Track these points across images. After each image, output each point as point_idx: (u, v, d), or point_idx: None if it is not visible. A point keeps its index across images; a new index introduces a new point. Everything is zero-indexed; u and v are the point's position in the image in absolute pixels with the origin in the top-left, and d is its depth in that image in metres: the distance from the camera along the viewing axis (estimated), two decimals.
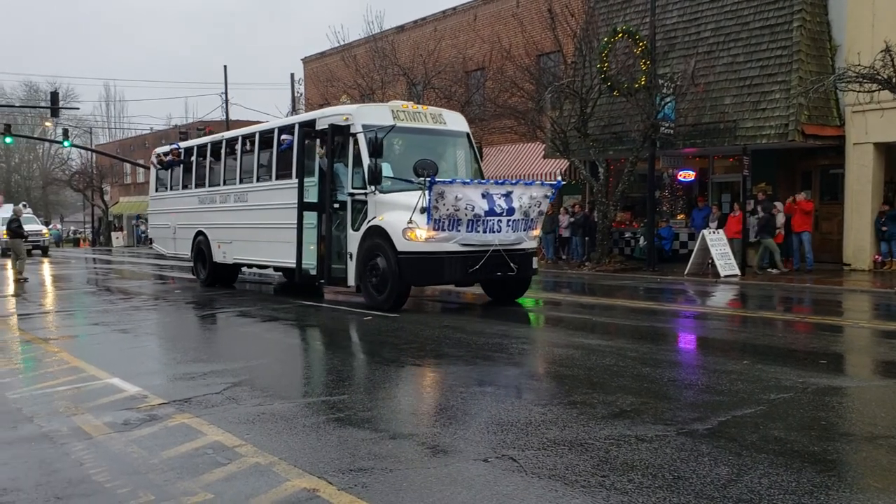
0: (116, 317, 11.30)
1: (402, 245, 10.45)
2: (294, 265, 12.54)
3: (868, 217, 17.12)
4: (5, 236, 32.28)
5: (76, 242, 55.75)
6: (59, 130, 44.13)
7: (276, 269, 15.07)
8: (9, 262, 20.95)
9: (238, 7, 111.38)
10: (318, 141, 12.14)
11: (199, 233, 16.00)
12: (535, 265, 11.80)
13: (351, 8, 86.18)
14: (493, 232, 10.75)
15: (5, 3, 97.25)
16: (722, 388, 5.94)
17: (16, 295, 15.31)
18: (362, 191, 11.27)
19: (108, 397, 5.96)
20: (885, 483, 3.92)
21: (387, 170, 11.18)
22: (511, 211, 10.78)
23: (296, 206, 12.24)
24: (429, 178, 10.18)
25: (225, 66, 40.25)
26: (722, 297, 13.72)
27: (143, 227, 48.64)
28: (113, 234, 51.67)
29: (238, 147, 14.94)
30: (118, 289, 16.63)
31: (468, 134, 12.93)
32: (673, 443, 4.50)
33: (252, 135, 14.64)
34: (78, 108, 57.77)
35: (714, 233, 17.04)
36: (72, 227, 64.99)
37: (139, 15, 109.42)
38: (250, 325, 10.46)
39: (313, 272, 12.20)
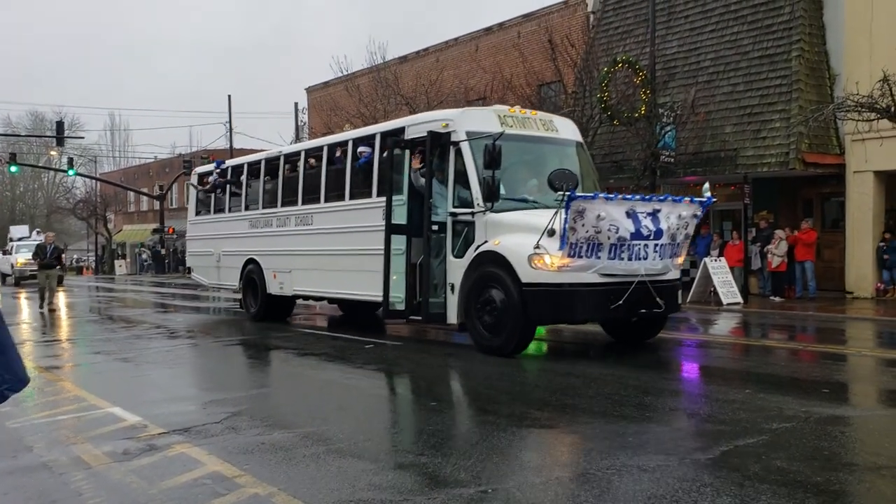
0: (118, 345, 11.29)
1: (527, 275, 8.62)
2: (376, 297, 10.65)
3: (870, 245, 17.14)
4: (20, 265, 31.09)
5: (79, 270, 55.81)
6: (65, 159, 44.40)
7: (336, 300, 13.62)
8: (22, 293, 20.68)
9: (243, 36, 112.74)
10: (407, 152, 10.49)
11: (250, 260, 14.19)
12: (679, 300, 10.00)
13: (354, 39, 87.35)
14: (639, 259, 8.82)
15: (11, 34, 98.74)
16: (724, 417, 5.91)
17: (27, 323, 15.36)
18: (467, 210, 9.55)
19: (108, 427, 5.95)
20: None
21: None
22: (659, 233, 8.82)
23: (380, 228, 10.43)
24: (568, 193, 8.29)
25: (229, 96, 40.67)
26: (724, 326, 13.68)
27: (145, 256, 48.78)
28: (116, 262, 51.74)
29: (301, 163, 13.25)
30: (121, 317, 16.62)
31: (581, 143, 11.36)
32: (675, 472, 4.47)
33: (318, 149, 13.07)
34: (83, 138, 58.04)
35: (716, 261, 17.06)
36: (75, 255, 65.11)
37: (145, 44, 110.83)
38: (253, 355, 10.42)
39: (400, 306, 10.23)
